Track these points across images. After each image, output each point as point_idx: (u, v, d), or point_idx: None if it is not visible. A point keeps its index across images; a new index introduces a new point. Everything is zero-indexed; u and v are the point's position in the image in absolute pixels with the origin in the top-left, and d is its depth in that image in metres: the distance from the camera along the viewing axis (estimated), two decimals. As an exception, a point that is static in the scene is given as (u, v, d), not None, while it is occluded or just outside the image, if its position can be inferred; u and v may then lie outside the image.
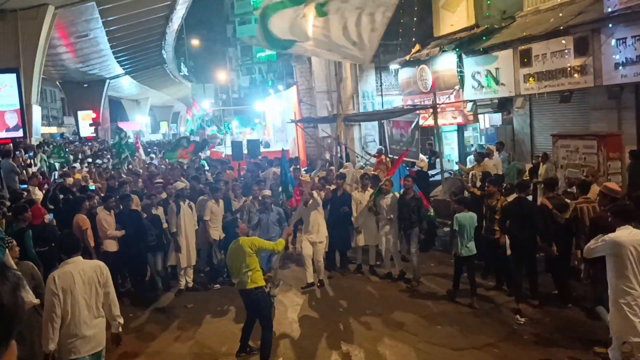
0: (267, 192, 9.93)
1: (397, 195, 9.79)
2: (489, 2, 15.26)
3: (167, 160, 20.32)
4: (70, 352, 4.94)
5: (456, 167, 15.40)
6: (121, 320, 5.35)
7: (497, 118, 16.61)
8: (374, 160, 15.50)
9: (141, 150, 25.06)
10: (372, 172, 13.64)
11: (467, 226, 8.33)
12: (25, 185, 12.99)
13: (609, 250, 5.51)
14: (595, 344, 6.68)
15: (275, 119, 28.94)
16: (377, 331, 7.59)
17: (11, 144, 17.43)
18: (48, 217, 9.40)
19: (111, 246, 9.31)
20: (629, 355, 5.66)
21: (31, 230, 7.72)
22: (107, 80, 45.39)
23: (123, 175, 15.65)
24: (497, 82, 14.10)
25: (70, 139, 41.10)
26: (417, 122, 13.59)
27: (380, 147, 17.30)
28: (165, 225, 9.86)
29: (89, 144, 37.28)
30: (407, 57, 17.55)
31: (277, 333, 7.74)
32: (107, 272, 5.21)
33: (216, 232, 10.12)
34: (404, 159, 14.07)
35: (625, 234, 5.47)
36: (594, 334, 7.02)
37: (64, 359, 4.94)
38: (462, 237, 8.33)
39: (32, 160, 17.39)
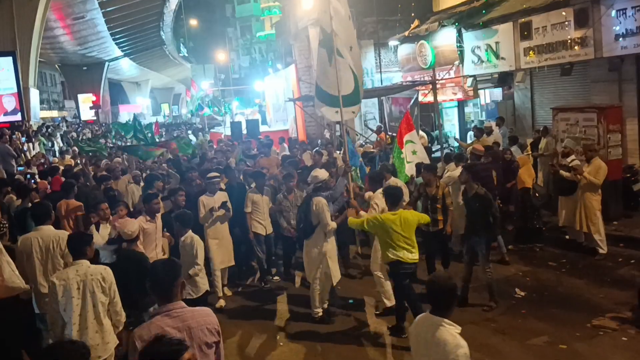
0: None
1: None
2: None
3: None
4: (37, 307, 5.76)
5: (456, 144, 15.28)
6: None
7: (497, 93, 16.43)
8: (373, 137, 15.41)
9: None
10: (372, 149, 13.60)
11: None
12: (22, 168, 12.97)
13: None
14: (594, 316, 6.67)
15: (274, 99, 28.75)
16: (373, 306, 7.58)
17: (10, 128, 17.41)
18: None
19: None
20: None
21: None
22: (107, 63, 45.24)
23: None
24: (497, 57, 13.91)
25: (71, 122, 41.01)
26: (416, 98, 13.47)
27: (380, 124, 17.18)
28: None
29: (90, 127, 37.24)
30: (406, 33, 17.32)
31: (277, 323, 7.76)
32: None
33: (259, 226, 8.66)
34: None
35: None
36: (592, 307, 7.00)
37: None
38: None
39: (28, 145, 17.33)
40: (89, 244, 4.77)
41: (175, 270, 3.43)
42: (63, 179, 10.03)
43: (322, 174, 7.51)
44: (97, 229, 6.95)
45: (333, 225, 7.04)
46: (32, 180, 11.36)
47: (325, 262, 7.11)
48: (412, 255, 6.33)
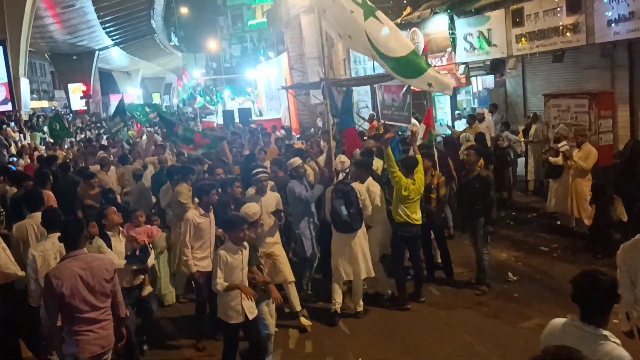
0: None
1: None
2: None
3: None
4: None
5: (449, 131, 15.31)
6: None
7: (489, 80, 16.47)
8: (366, 126, 15.40)
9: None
10: (365, 138, 13.55)
11: None
12: (16, 158, 12.91)
13: None
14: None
15: (267, 87, 28.67)
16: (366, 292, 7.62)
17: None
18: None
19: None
20: None
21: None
22: (97, 52, 44.90)
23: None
24: (489, 44, 13.92)
25: (62, 112, 40.75)
26: (409, 85, 13.44)
27: (372, 112, 17.16)
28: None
29: (81, 117, 37.02)
30: (399, 20, 17.26)
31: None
32: None
33: None
34: (397, 124, 14.03)
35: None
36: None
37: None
38: None
39: (20, 135, 17.22)
40: (60, 218, 5.24)
41: (81, 225, 4.43)
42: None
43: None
44: (110, 245, 5.66)
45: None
46: (13, 168, 11.31)
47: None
48: (416, 215, 7.02)
